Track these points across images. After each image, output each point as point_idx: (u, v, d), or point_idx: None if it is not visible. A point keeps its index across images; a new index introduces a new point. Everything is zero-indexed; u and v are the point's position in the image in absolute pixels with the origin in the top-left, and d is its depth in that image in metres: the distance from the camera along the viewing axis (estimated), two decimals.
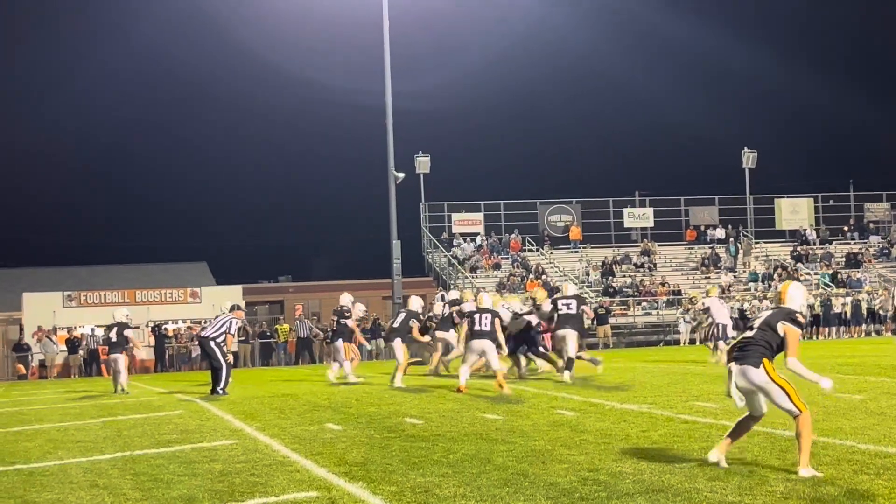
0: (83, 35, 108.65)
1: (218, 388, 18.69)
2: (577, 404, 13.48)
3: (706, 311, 26.28)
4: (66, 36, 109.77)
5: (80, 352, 38.43)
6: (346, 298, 22.09)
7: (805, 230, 54.65)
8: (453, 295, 25.39)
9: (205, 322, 40.16)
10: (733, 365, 8.23)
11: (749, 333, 8.41)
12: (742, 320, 42.72)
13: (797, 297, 8.50)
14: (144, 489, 8.29)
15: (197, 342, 22.00)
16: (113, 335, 22.61)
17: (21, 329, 41.62)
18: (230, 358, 20.15)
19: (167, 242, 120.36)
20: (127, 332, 22.64)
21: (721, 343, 24.49)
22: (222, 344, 19.28)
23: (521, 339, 20.52)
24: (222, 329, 19.51)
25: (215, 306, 41.41)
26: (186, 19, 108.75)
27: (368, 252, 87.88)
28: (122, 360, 22.07)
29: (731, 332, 24.63)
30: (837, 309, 42.39)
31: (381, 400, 15.54)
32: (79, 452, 10.83)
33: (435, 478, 8.20)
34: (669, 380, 17.43)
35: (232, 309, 20.62)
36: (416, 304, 21.24)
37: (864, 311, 42.90)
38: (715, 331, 25.28)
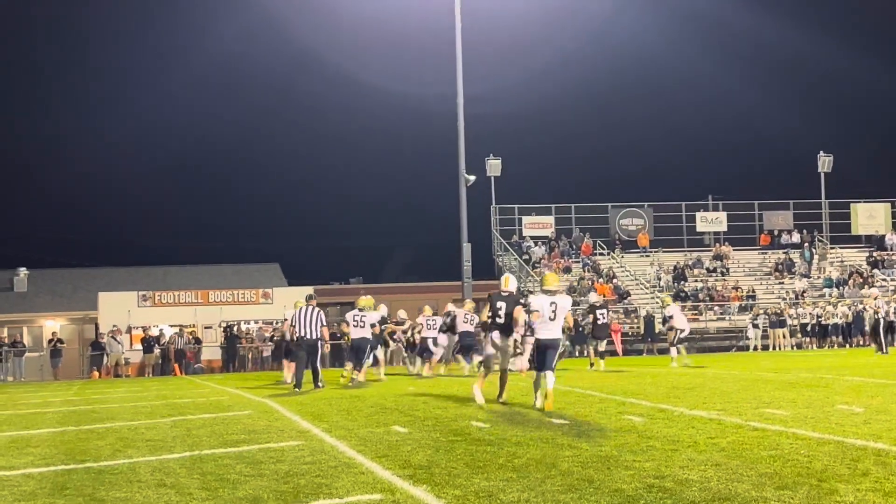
0: (171, 43, 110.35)
1: (319, 383, 20.47)
2: (645, 409, 13.38)
3: (670, 317, 28.16)
4: (155, 43, 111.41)
5: (156, 351, 38.94)
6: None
7: (882, 235, 53.80)
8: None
9: (278, 323, 40.53)
10: None
11: None
12: (818, 326, 42.38)
13: None
14: (211, 489, 8.35)
15: (293, 345, 22.52)
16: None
17: (97, 328, 42.25)
18: (326, 346, 22.08)
19: (241, 244, 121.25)
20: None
21: (679, 347, 28.10)
22: (320, 339, 20.84)
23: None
24: (317, 324, 20.79)
25: (287, 307, 42.00)
26: (258, 31, 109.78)
27: (440, 254, 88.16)
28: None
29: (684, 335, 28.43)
30: None
31: (447, 403, 15.53)
32: (148, 451, 10.94)
33: (499, 482, 8.17)
34: (739, 386, 17.24)
35: (309, 299, 21.57)
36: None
37: None
38: (674, 336, 28.29)
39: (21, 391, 27.12)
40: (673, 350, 28.13)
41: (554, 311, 14.99)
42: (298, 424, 13.13)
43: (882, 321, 32.12)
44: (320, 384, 20.54)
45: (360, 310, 22.62)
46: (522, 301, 16.22)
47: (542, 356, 14.93)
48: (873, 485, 7.54)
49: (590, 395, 16.02)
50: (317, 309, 21.21)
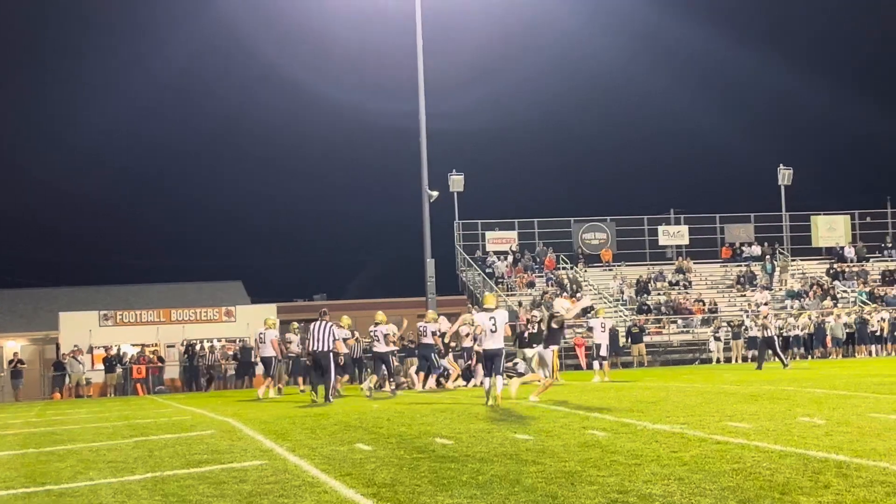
0: (120, 61, 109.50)
1: (329, 397, 21.40)
2: (609, 424, 13.40)
3: (590, 329, 28.66)
4: (114, 58, 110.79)
5: (118, 370, 38.69)
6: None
7: (842, 247, 54.25)
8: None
9: (240, 341, 40.43)
10: None
11: None
12: (779, 339, 42.66)
13: None
14: None
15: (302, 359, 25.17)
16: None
17: (58, 348, 41.95)
18: (341, 359, 23.05)
19: (204, 262, 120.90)
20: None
21: (596, 363, 28.25)
22: (332, 352, 21.92)
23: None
24: (329, 339, 21.85)
25: (250, 325, 41.91)
26: (218, 44, 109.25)
27: (404, 270, 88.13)
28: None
29: (604, 352, 28.47)
30: (874, 327, 41.99)
31: (412, 420, 15.49)
32: (109, 473, 10.85)
33: (463, 499, 8.16)
34: (702, 399, 17.30)
35: (322, 315, 22.50)
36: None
37: None
38: (595, 350, 28.74)
39: None
40: (595, 364, 28.17)
41: (494, 325, 18.19)
42: (262, 444, 13.06)
43: (777, 338, 32.38)
44: (331, 399, 21.45)
45: (377, 324, 24.56)
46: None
47: (489, 363, 18.35)
48: (835, 497, 7.58)
49: (554, 410, 16.02)
50: (329, 324, 22.16)
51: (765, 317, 32.34)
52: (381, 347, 24.50)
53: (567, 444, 11.37)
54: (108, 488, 9.72)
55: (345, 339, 24.76)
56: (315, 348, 22.02)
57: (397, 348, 27.10)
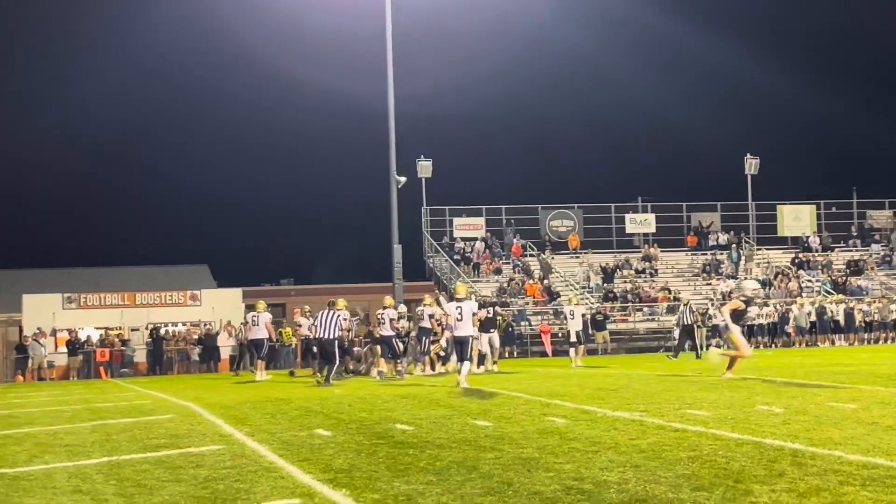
0: (83, 40, 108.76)
1: (331, 379, 22.81)
2: (569, 411, 13.42)
3: (562, 316, 29.08)
4: (66, 40, 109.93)
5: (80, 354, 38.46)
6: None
7: (807, 237, 54.53)
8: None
9: (206, 325, 40.30)
10: None
11: None
12: (744, 327, 42.86)
13: None
14: (127, 495, 8.23)
15: (313, 344, 26.19)
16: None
17: (21, 330, 41.67)
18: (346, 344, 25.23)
19: (169, 245, 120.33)
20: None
21: (572, 350, 29.27)
22: (338, 339, 23.47)
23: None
24: (335, 326, 23.31)
25: (215, 309, 41.79)
26: (185, 23, 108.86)
27: (372, 256, 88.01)
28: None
29: (574, 338, 29.37)
30: (837, 317, 42.33)
31: (373, 405, 15.48)
32: (66, 457, 10.78)
33: (419, 485, 8.14)
34: (663, 387, 17.38)
35: (331, 305, 24.35)
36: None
37: (862, 320, 42.96)
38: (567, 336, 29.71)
39: None
40: (572, 351, 28.77)
41: (460, 313, 19.56)
42: (221, 428, 13.01)
43: (696, 328, 32.42)
44: (330, 382, 22.70)
45: (385, 308, 25.59)
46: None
47: (458, 348, 19.97)
48: (788, 485, 7.60)
49: (516, 397, 16.05)
50: (337, 313, 23.78)
51: (685, 304, 32.43)
52: (386, 331, 25.21)
53: (526, 431, 11.38)
54: (63, 472, 9.65)
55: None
56: (322, 336, 23.43)
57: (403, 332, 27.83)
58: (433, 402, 15.53)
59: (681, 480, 7.95)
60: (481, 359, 25.92)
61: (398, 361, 25.60)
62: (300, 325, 30.08)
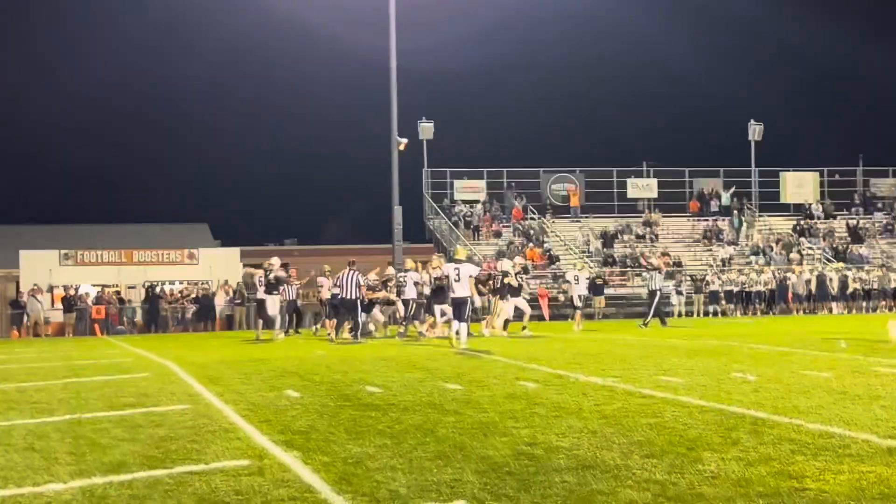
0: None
1: (359, 335, 24.13)
2: (542, 375, 13.38)
3: (566, 281, 29.13)
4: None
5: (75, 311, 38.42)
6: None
7: (810, 204, 54.26)
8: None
9: (203, 283, 40.29)
10: None
11: None
12: (742, 294, 42.78)
13: None
14: (78, 454, 8.21)
15: (335, 303, 26.13)
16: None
17: (17, 286, 41.66)
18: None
19: (172, 204, 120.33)
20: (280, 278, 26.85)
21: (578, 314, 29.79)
22: (359, 299, 24.55)
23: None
24: (356, 286, 24.44)
25: (213, 268, 41.71)
26: None
27: (375, 217, 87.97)
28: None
29: (578, 302, 29.69)
30: (835, 284, 42.22)
31: (350, 367, 15.46)
32: (29, 414, 10.77)
33: (372, 448, 8.11)
34: (644, 353, 17.32)
35: (351, 265, 25.13)
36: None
37: (861, 288, 42.88)
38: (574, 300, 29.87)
39: None
40: (578, 314, 29.36)
41: (458, 275, 20.04)
42: (192, 388, 13.00)
43: (659, 293, 31.40)
44: (360, 339, 24.08)
45: (406, 270, 26.41)
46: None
47: (455, 310, 20.29)
48: (739, 453, 7.55)
49: (494, 361, 16.03)
50: (356, 273, 24.74)
51: (654, 269, 31.61)
52: (409, 293, 25.80)
53: (494, 396, 11.34)
54: (22, 429, 9.64)
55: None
56: (343, 296, 24.54)
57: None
58: (411, 365, 15.50)
59: (633, 447, 7.91)
60: (520, 317, 26.03)
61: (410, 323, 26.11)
62: (322, 286, 29.97)
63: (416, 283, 25.69)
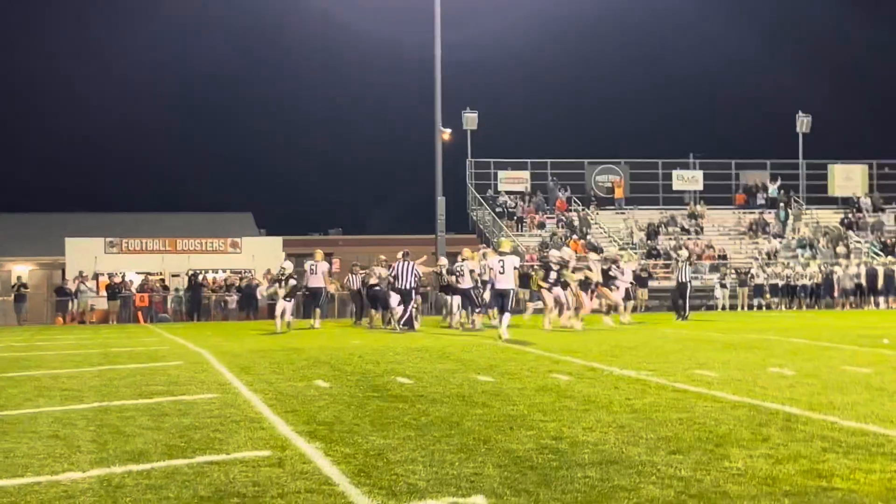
0: None
1: (402, 323, 24.53)
2: (576, 368, 13.25)
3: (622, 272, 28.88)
4: None
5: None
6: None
7: (858, 198, 53.57)
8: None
9: (246, 272, 40.41)
10: None
11: None
12: (787, 287, 42.33)
13: None
14: (101, 442, 8.18)
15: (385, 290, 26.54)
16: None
17: (63, 273, 41.97)
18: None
19: (217, 194, 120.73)
20: (292, 281, 25.92)
21: (621, 305, 28.74)
22: (413, 288, 25.18)
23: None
24: (411, 276, 24.93)
25: (255, 257, 41.83)
26: None
27: (422, 208, 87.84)
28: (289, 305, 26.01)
29: (622, 294, 28.76)
30: (883, 279, 41.63)
31: (383, 358, 15.39)
32: (58, 401, 10.78)
33: (396, 440, 8.02)
34: (682, 346, 17.14)
35: (405, 256, 25.55)
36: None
37: None
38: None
39: None
40: (620, 307, 28.61)
41: (503, 267, 20.12)
42: (223, 377, 12.98)
43: (689, 286, 30.96)
44: (416, 327, 24.85)
45: (463, 260, 26.25)
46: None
47: (499, 301, 20.36)
48: (768, 451, 7.39)
49: (527, 352, 15.91)
50: (412, 263, 25.23)
51: (684, 261, 31.16)
52: (465, 283, 25.68)
53: (525, 388, 11.23)
54: (48, 416, 9.64)
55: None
56: (400, 286, 24.93)
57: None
58: (444, 356, 15.41)
59: (660, 443, 7.77)
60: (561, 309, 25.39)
61: (476, 312, 26.03)
62: (380, 276, 29.91)
63: (471, 272, 25.65)
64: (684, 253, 31.82)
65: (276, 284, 26.25)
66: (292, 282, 25.52)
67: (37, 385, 12.38)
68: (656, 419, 8.87)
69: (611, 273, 27.03)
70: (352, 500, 6.15)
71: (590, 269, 25.59)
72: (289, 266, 26.03)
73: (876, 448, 7.47)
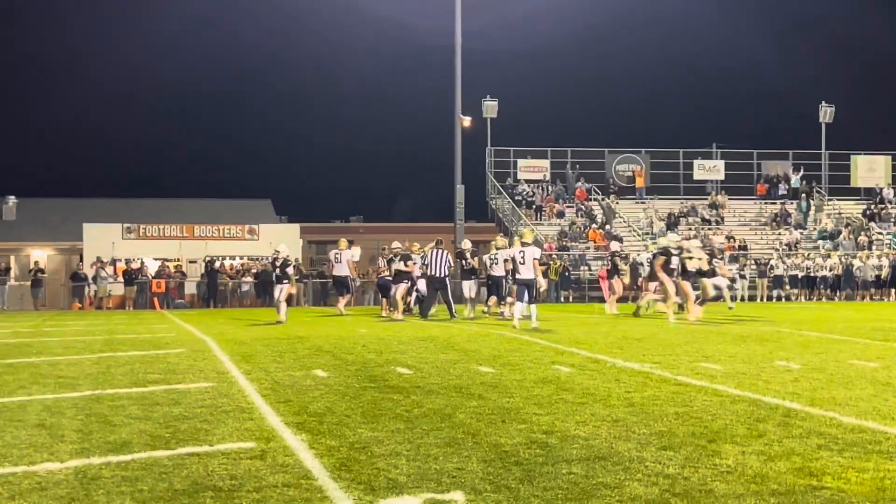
0: None
1: (454, 312, 24.91)
2: (580, 360, 13.09)
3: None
4: None
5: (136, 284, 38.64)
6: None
7: (881, 189, 53.11)
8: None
9: (263, 259, 40.33)
10: None
11: None
12: (806, 278, 41.98)
13: None
14: (86, 431, 8.08)
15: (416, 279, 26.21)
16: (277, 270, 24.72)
17: (81, 259, 42.02)
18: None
19: (238, 180, 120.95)
20: (288, 269, 24.56)
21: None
22: (446, 277, 25.17)
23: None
24: (445, 265, 25.11)
25: (272, 244, 41.74)
26: None
27: (443, 196, 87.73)
28: (284, 290, 24.30)
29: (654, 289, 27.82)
30: None
31: (386, 347, 15.27)
32: (52, 389, 10.69)
33: (384, 433, 7.89)
34: (691, 338, 16.92)
35: (438, 244, 25.72)
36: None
37: None
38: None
39: None
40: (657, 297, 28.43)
41: (523, 258, 20.43)
42: (222, 365, 12.87)
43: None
44: (455, 314, 25.01)
45: (498, 249, 26.26)
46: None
47: (519, 291, 20.62)
48: (762, 447, 7.23)
49: (533, 343, 15.75)
50: (445, 252, 25.44)
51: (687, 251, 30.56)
52: (497, 271, 25.79)
53: (524, 380, 11.08)
54: (38, 405, 9.55)
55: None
56: (433, 273, 25.06)
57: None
58: (449, 347, 15.26)
59: (652, 438, 7.61)
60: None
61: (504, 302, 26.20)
62: (416, 264, 29.64)
63: (505, 261, 25.55)
64: (686, 244, 31.27)
65: (275, 270, 24.83)
66: (290, 269, 24.31)
67: (34, 372, 12.30)
68: (653, 413, 8.71)
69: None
70: (328, 495, 6.02)
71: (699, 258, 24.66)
72: (283, 250, 24.89)
73: (872, 445, 7.30)
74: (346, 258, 28.15)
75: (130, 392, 10.32)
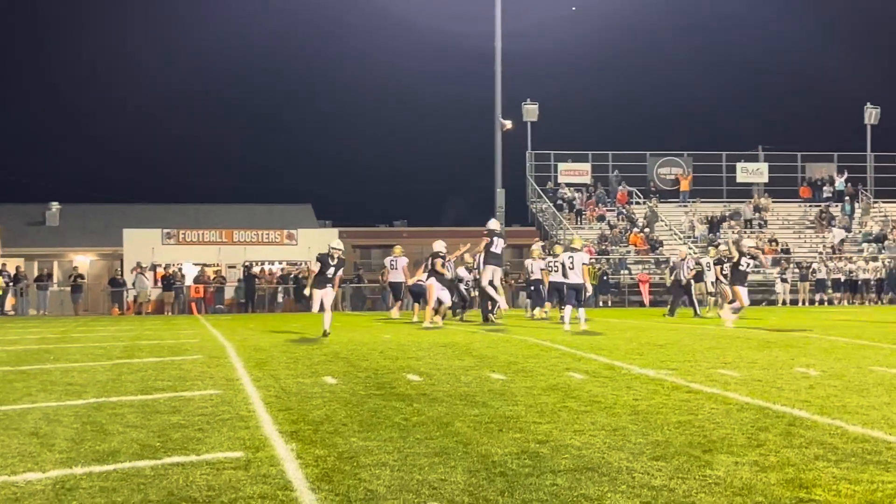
0: None
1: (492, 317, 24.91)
2: (595, 366, 12.91)
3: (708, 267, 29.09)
4: None
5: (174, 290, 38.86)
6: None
7: None
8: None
9: (301, 264, 40.37)
10: None
11: None
12: (849, 282, 41.46)
13: None
14: (77, 440, 8.03)
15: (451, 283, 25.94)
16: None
17: (121, 264, 42.33)
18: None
19: (278, 184, 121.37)
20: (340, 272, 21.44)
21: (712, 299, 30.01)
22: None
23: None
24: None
25: (311, 249, 41.83)
26: None
27: (483, 199, 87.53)
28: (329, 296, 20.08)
29: (710, 289, 30.53)
30: None
31: (404, 353, 15.15)
32: (57, 396, 10.66)
33: (376, 442, 7.78)
34: (714, 343, 16.68)
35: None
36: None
37: None
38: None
39: (19, 326, 27.15)
40: (712, 301, 30.48)
41: (572, 263, 21.44)
42: (234, 372, 12.82)
43: (692, 284, 30.00)
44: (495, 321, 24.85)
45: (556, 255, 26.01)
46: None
47: (569, 295, 21.57)
48: (758, 457, 7.06)
49: (551, 349, 15.60)
50: (479, 255, 25.29)
51: (682, 259, 30.15)
52: (536, 276, 27.49)
53: (533, 387, 10.93)
54: (39, 412, 9.52)
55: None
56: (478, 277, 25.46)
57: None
58: (466, 353, 15.11)
59: (647, 448, 7.45)
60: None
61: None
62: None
63: (541, 270, 26.60)
64: (682, 251, 31.14)
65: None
66: (341, 272, 21.77)
67: (44, 379, 12.29)
68: (654, 422, 8.54)
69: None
70: None
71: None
72: (338, 245, 20.80)
73: (871, 456, 7.10)
74: (401, 265, 28.56)
75: (133, 400, 10.27)
